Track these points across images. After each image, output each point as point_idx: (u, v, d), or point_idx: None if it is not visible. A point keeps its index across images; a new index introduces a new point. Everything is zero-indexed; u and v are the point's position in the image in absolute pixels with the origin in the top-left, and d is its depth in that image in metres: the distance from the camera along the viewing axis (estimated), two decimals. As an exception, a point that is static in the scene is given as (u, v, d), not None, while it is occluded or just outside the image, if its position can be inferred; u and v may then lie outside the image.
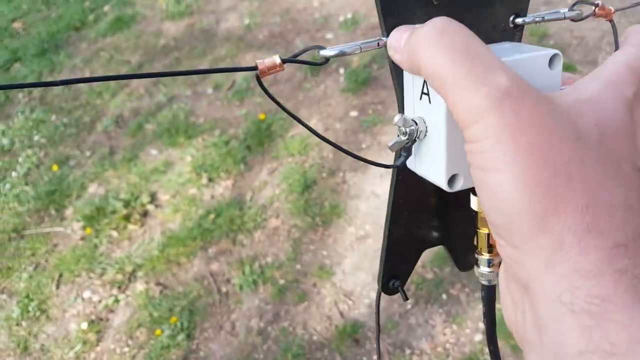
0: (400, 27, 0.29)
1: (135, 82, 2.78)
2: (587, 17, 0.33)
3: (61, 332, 1.78)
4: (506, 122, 0.22)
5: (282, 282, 1.78)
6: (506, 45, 0.32)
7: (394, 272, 0.40)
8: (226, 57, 2.78)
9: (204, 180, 2.17)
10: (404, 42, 0.27)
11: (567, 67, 2.30)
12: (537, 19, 0.32)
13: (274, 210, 2.01)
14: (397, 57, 0.28)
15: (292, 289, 1.76)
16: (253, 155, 2.24)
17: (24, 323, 1.83)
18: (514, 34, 0.33)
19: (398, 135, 0.31)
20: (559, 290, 0.22)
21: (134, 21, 3.18)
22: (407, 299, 0.40)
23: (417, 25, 0.27)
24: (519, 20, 0.32)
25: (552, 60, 0.29)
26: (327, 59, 0.29)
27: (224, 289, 1.82)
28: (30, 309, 1.87)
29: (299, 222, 1.94)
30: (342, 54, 0.29)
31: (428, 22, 0.26)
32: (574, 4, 0.33)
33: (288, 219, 1.97)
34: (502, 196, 0.23)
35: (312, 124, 2.31)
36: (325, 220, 1.93)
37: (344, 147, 1.98)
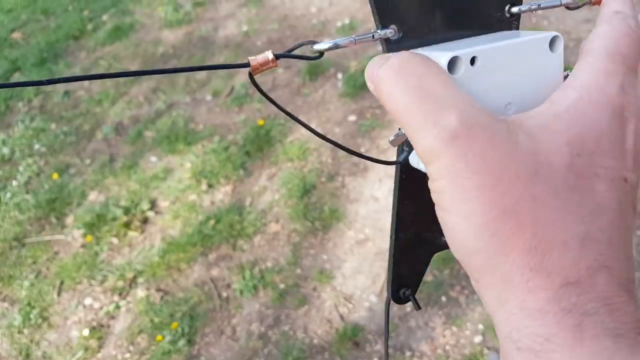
0: (376, 57, 0.28)
1: (134, 90, 2.80)
2: (584, 4, 0.33)
3: (63, 339, 1.79)
4: (455, 164, 0.23)
5: (282, 286, 1.79)
6: (504, 33, 0.32)
7: (404, 279, 0.38)
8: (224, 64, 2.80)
9: (204, 187, 2.18)
10: (376, 72, 0.27)
11: (565, 69, 2.32)
12: (533, 7, 0.32)
13: (273, 215, 2.02)
14: (371, 88, 0.28)
15: (293, 293, 1.77)
16: (252, 160, 2.25)
17: (25, 330, 1.84)
18: (511, 23, 0.32)
19: (399, 129, 0.30)
20: (509, 327, 0.22)
21: (132, 30, 3.21)
22: (419, 307, 0.39)
23: (391, 55, 0.27)
24: (514, 9, 0.32)
25: (552, 42, 0.29)
26: (321, 53, 0.29)
27: (224, 294, 1.82)
28: (31, 316, 1.87)
29: (299, 226, 1.95)
30: (336, 47, 0.28)
31: (391, 57, 0.26)
32: None
33: (288, 223, 1.98)
34: (456, 235, 0.24)
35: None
36: (324, 224, 1.94)
37: (343, 152, 1.98)
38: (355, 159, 2.16)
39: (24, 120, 2.74)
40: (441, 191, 0.24)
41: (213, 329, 1.73)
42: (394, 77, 0.25)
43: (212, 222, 2.04)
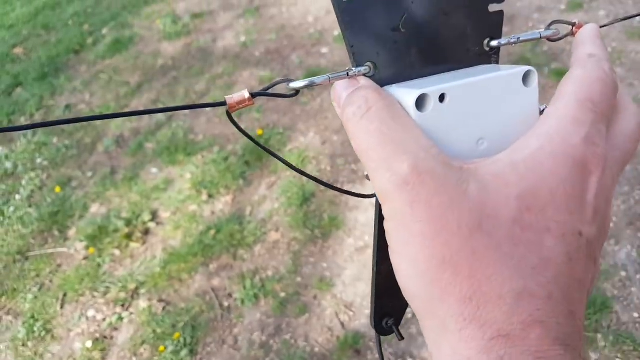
0: (343, 82, 0.28)
1: (135, 102, 2.83)
2: (565, 36, 0.33)
3: (66, 352, 1.80)
4: (403, 209, 0.23)
5: (282, 295, 1.80)
6: (481, 68, 0.31)
7: (387, 309, 0.37)
8: (223, 74, 2.82)
9: (204, 197, 2.20)
10: (342, 103, 0.28)
11: (561, 73, 2.34)
12: (512, 41, 0.31)
13: (273, 224, 2.04)
14: (337, 111, 0.29)
15: (293, 301, 1.78)
16: (252, 170, 2.27)
17: (29, 343, 1.85)
18: (490, 56, 0.32)
19: None
20: None
21: (132, 42, 3.24)
22: (402, 338, 0.38)
23: (360, 82, 0.28)
24: (494, 43, 0.31)
25: (526, 77, 0.28)
26: (297, 91, 0.29)
27: (225, 304, 1.83)
28: (35, 329, 1.89)
29: (299, 235, 1.96)
30: (311, 85, 0.28)
31: (358, 94, 0.27)
32: (550, 24, 0.33)
33: (287, 232, 1.99)
34: (401, 277, 0.24)
35: (310, 137, 2.35)
36: (324, 232, 1.95)
37: (341, 159, 2.00)
38: (353, 166, 2.17)
39: (26, 134, 2.77)
40: (390, 232, 0.25)
41: (215, 338, 1.74)
42: (359, 119, 0.26)
43: (212, 232, 2.05)
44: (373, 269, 0.36)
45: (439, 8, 0.30)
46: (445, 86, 0.26)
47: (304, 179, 2.17)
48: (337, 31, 2.88)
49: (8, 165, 2.60)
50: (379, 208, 0.33)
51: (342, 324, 1.68)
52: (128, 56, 3.15)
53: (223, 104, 0.28)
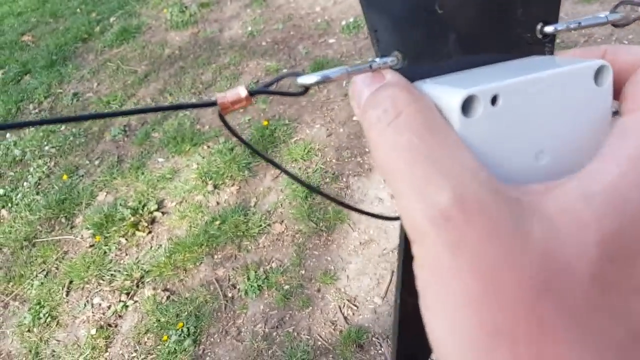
0: (365, 77, 0.23)
1: (142, 92, 2.83)
2: (634, 20, 0.28)
3: (71, 338, 1.82)
4: (441, 255, 0.18)
5: (286, 287, 1.80)
6: (535, 59, 0.26)
7: (411, 349, 0.32)
8: (230, 64, 2.82)
9: (210, 187, 2.20)
10: (363, 104, 0.22)
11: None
12: (572, 26, 0.26)
13: (278, 215, 2.04)
14: (356, 112, 0.24)
15: (297, 294, 1.78)
16: (257, 161, 2.27)
17: (35, 329, 1.87)
18: (544, 45, 0.27)
19: None
20: None
21: (139, 31, 3.24)
22: None
23: (387, 76, 0.23)
24: (548, 29, 0.26)
25: (598, 73, 0.23)
26: (306, 89, 0.24)
27: (229, 295, 1.84)
28: (41, 315, 1.91)
29: (303, 227, 1.97)
30: (324, 81, 0.23)
31: (384, 93, 0.21)
32: (616, 5, 0.28)
33: (292, 224, 1.99)
34: (436, 341, 0.19)
35: (316, 128, 2.34)
36: (328, 225, 1.95)
37: (347, 152, 1.98)
38: (359, 158, 2.17)
39: (34, 122, 2.78)
40: (423, 283, 0.19)
41: (218, 329, 1.75)
42: (382, 126, 0.21)
43: (217, 222, 2.06)
44: (395, 302, 0.30)
45: None
46: (498, 85, 0.21)
47: (309, 171, 2.17)
48: (344, 21, 2.86)
49: (17, 152, 2.62)
50: (404, 238, 0.28)
51: (346, 318, 1.69)
52: (135, 45, 3.15)
53: (213, 104, 0.24)
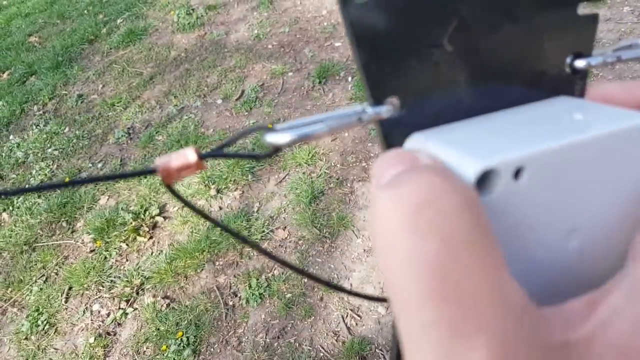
0: (391, 156, 0.18)
1: (146, 94, 2.80)
2: None
3: (69, 347, 1.78)
4: None
5: (288, 295, 1.76)
6: (564, 104, 0.21)
7: None
8: (235, 67, 2.78)
9: (212, 192, 2.16)
10: (382, 184, 0.17)
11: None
12: (609, 59, 0.22)
13: (281, 221, 1.99)
14: (374, 195, 0.17)
15: (299, 303, 1.73)
16: (260, 165, 2.23)
17: (32, 337, 1.84)
18: (574, 82, 0.22)
19: None
20: None
21: (146, 33, 3.21)
22: None
23: (420, 158, 0.17)
24: (580, 63, 0.21)
25: None
26: (276, 149, 0.20)
27: (230, 303, 1.80)
28: (39, 322, 1.87)
29: (306, 233, 1.92)
30: (299, 140, 0.19)
31: (416, 179, 0.15)
32: None
33: (295, 230, 1.95)
34: None
35: (321, 133, 2.29)
36: (332, 231, 1.90)
37: (352, 157, 1.94)
38: (364, 163, 2.12)
39: (39, 124, 2.76)
40: None
41: (218, 338, 1.70)
42: (401, 223, 0.15)
43: (219, 228, 2.01)
44: (393, 341, 0.28)
45: (505, 9, 0.20)
46: (523, 154, 0.17)
47: (314, 176, 2.12)
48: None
49: (19, 154, 2.60)
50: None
51: (349, 329, 1.64)
52: (141, 47, 3.13)
53: (152, 171, 0.20)
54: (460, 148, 0.18)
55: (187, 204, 0.24)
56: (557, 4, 0.20)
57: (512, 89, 0.21)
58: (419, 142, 0.19)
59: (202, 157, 0.21)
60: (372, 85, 0.19)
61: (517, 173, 0.17)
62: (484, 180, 0.17)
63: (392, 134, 0.20)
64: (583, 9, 0.21)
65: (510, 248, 0.17)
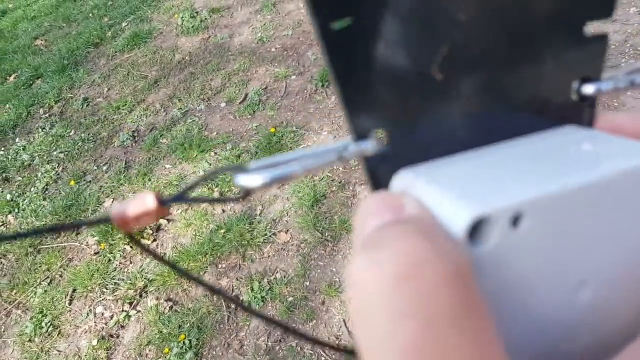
0: (375, 201, 0.16)
1: (151, 97, 2.82)
2: None
3: (72, 349, 1.80)
4: None
5: (290, 299, 1.76)
6: (567, 134, 0.19)
7: None
8: (239, 70, 2.79)
9: (216, 194, 2.17)
10: (363, 237, 0.15)
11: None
12: (621, 85, 0.19)
13: (283, 224, 2.00)
14: (355, 248, 0.16)
15: (301, 306, 1.74)
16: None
17: (36, 339, 1.85)
18: (582, 110, 0.20)
19: None
20: None
21: (150, 37, 3.23)
22: None
23: (407, 206, 0.16)
24: (588, 89, 0.19)
25: None
26: (248, 192, 0.18)
27: (232, 306, 1.80)
28: (43, 324, 1.89)
29: (308, 237, 1.92)
30: (275, 183, 0.18)
31: (396, 230, 0.14)
32: None
33: (297, 233, 1.95)
34: None
35: (323, 135, 2.30)
36: (334, 235, 1.91)
37: (354, 160, 1.98)
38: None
39: (44, 126, 2.78)
40: None
41: (220, 342, 1.71)
42: (376, 288, 0.13)
43: (222, 231, 2.03)
44: None
45: (502, 31, 0.18)
46: (521, 199, 0.15)
47: (316, 179, 2.12)
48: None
49: (25, 157, 2.62)
50: None
51: (350, 332, 1.64)
52: (146, 50, 3.15)
53: (107, 220, 0.19)
54: (449, 190, 0.16)
55: (149, 252, 0.23)
56: (561, 23, 0.18)
57: (512, 118, 0.19)
58: (406, 181, 0.18)
59: (162, 203, 0.19)
60: (354, 118, 0.18)
61: (516, 220, 0.15)
62: (478, 228, 0.15)
63: (379, 172, 0.18)
64: (592, 30, 0.19)
65: (509, 306, 0.15)
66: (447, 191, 0.16)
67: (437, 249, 0.14)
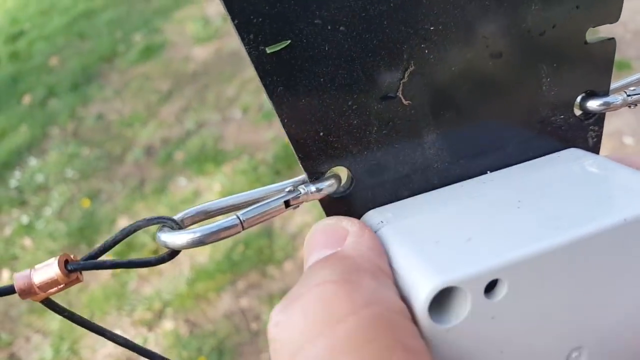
0: (325, 228, 0.15)
1: (165, 111, 2.77)
2: None
3: (90, 376, 1.73)
4: None
5: (313, 318, 1.67)
6: (566, 161, 0.16)
7: None
8: (254, 79, 2.72)
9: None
10: (305, 268, 0.15)
11: (621, 65, 2.09)
12: (631, 99, 0.17)
13: (303, 238, 1.90)
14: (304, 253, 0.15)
15: (325, 325, 1.64)
16: (282, 179, 2.14)
17: (55, 366, 1.80)
18: (585, 129, 0.17)
19: None
20: None
21: (163, 48, 3.19)
22: None
23: (348, 237, 0.15)
24: (594, 104, 0.17)
25: None
26: (173, 252, 0.16)
27: (253, 326, 1.72)
28: (62, 350, 1.84)
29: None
30: (206, 240, 0.15)
31: (326, 268, 0.13)
32: None
33: (319, 248, 1.86)
34: None
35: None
36: (358, 248, 1.81)
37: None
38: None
39: (59, 146, 2.75)
40: None
41: (241, 365, 1.63)
42: (295, 342, 0.13)
43: (241, 247, 1.94)
44: None
45: (483, 45, 0.14)
46: (497, 261, 0.12)
47: (337, 189, 2.03)
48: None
49: (40, 178, 2.59)
50: None
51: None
52: (159, 62, 3.10)
53: (11, 290, 0.16)
54: (415, 251, 0.13)
55: (75, 320, 0.19)
56: (560, 29, 0.14)
57: (501, 144, 0.16)
58: (373, 226, 0.16)
59: (70, 270, 0.17)
60: (305, 156, 0.15)
61: (492, 286, 0.13)
62: (444, 299, 0.13)
63: (332, 212, 0.16)
64: (596, 36, 0.15)
65: None
66: (412, 251, 0.14)
67: (357, 301, 0.12)
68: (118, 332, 1.83)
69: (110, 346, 1.81)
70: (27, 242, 2.29)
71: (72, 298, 2.00)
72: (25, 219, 2.38)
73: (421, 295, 0.13)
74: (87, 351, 1.83)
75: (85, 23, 3.82)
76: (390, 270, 0.14)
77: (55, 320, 1.94)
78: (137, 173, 2.45)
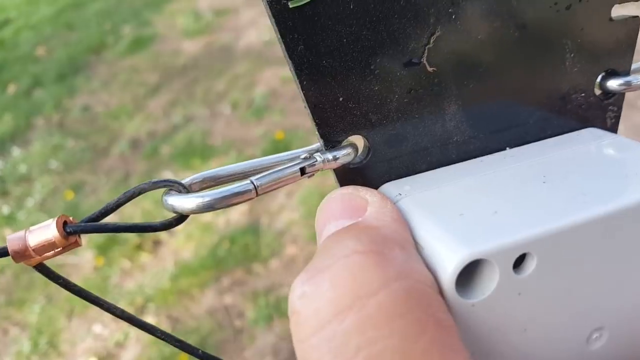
0: (343, 195, 0.14)
1: (152, 104, 2.73)
2: None
3: (69, 371, 1.70)
4: None
5: (298, 316, 1.65)
6: (585, 140, 0.16)
7: None
8: (245, 74, 2.70)
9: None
10: (319, 242, 0.14)
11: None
12: None
13: (291, 236, 1.89)
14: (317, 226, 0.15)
15: (310, 324, 1.63)
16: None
17: (33, 358, 1.76)
18: (604, 109, 0.17)
19: None
20: None
21: (152, 41, 3.15)
22: None
23: (368, 207, 0.14)
24: (614, 84, 0.16)
25: None
26: (181, 217, 0.16)
27: (237, 323, 1.70)
28: (40, 343, 1.80)
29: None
30: (219, 205, 0.15)
31: (348, 240, 0.13)
32: None
33: (305, 245, 1.84)
34: None
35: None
36: (345, 247, 1.80)
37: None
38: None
39: (43, 136, 2.70)
40: None
41: (224, 363, 1.60)
42: (318, 320, 0.12)
43: (226, 244, 1.92)
44: None
45: (510, 15, 0.14)
46: (527, 234, 0.12)
47: (326, 186, 2.01)
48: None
49: (23, 168, 2.54)
50: None
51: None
52: (148, 55, 3.07)
53: (3, 252, 0.16)
54: (437, 220, 0.13)
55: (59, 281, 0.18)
56: (585, 2, 0.14)
57: (522, 119, 0.15)
58: (391, 198, 0.15)
59: (69, 233, 0.16)
60: (322, 122, 0.15)
61: (520, 261, 0.12)
62: (471, 272, 0.12)
63: (348, 182, 0.16)
64: (621, 11, 0.15)
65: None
66: (435, 223, 0.13)
67: (388, 274, 0.12)
68: (98, 327, 1.80)
69: (90, 340, 1.77)
70: (8, 232, 2.24)
71: (53, 291, 1.96)
72: (6, 210, 2.33)
73: (448, 268, 0.12)
74: (66, 345, 1.79)
75: (73, 13, 3.76)
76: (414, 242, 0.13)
77: (33, 314, 1.90)
78: (122, 166, 2.41)
